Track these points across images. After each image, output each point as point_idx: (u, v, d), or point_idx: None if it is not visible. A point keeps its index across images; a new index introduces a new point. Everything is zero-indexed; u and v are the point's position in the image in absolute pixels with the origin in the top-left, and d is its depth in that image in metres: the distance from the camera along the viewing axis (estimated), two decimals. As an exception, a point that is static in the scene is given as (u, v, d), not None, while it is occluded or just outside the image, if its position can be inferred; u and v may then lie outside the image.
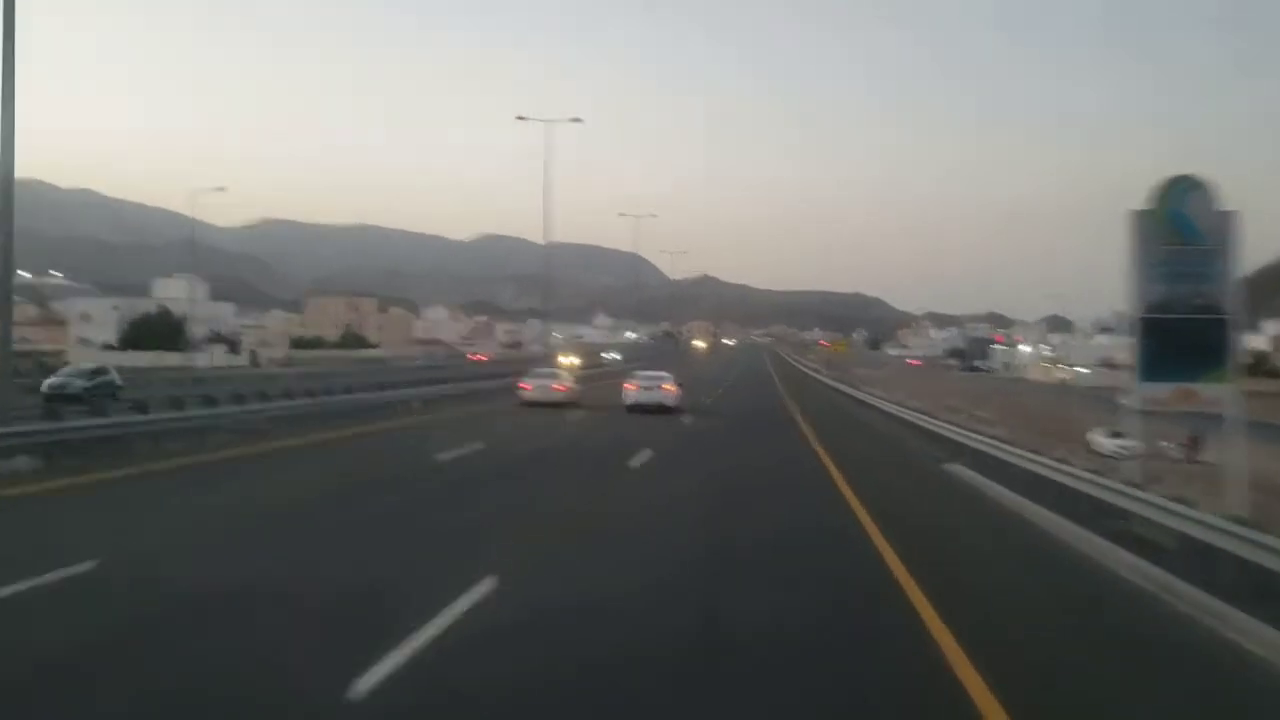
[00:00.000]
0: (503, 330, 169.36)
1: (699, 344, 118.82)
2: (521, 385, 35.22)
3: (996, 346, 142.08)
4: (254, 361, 78.42)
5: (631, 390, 33.53)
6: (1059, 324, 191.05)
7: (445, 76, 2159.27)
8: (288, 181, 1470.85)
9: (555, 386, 35.02)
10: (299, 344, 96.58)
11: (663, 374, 35.68)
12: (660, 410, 31.72)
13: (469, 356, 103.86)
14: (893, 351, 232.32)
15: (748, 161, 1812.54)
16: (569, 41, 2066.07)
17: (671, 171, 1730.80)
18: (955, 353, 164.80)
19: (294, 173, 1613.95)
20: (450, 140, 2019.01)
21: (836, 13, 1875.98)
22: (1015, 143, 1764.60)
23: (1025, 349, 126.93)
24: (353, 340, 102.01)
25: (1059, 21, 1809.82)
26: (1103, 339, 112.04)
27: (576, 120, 52.41)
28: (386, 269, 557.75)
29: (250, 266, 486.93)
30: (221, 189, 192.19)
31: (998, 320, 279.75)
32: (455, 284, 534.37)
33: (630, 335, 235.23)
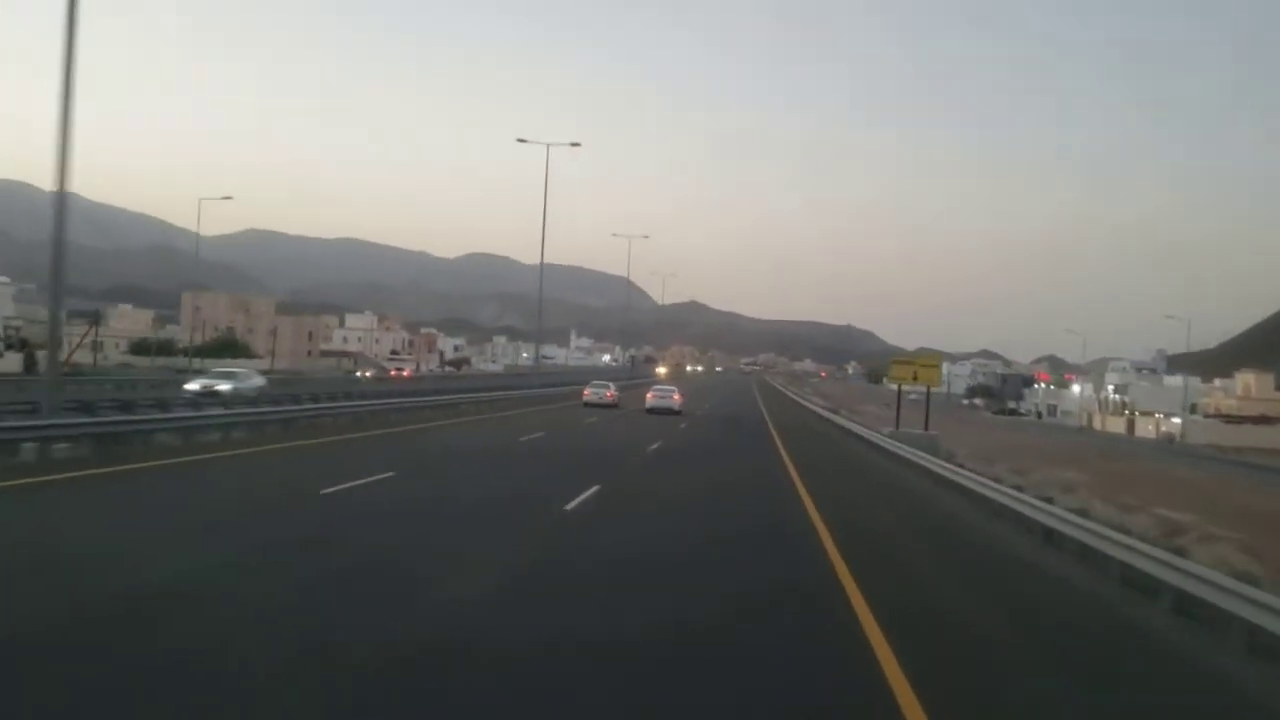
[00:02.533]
0: (451, 346, 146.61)
1: (661, 370, 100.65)
2: (584, 392, 49.30)
3: (1039, 385, 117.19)
4: (29, 366, 55.79)
5: (651, 399, 46.25)
6: (1057, 365, 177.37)
7: (442, 94, 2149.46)
8: (277, 193, 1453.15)
9: (607, 395, 47.99)
10: (141, 349, 74.06)
11: (672, 388, 51.01)
12: (669, 413, 43.04)
13: (390, 373, 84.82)
14: (895, 386, 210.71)
15: (741, 191, 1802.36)
16: (565, 64, 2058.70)
17: (662, 197, 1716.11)
18: (980, 391, 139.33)
19: (284, 184, 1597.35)
20: (444, 158, 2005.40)
21: (837, 46, 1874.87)
22: (1013, 182, 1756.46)
23: (1077, 389, 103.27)
24: (222, 347, 79.15)
25: (1062, 61, 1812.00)
26: (1176, 380, 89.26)
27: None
28: (367, 283, 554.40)
29: (225, 275, 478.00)
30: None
31: (993, 358, 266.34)
32: (436, 301, 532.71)
33: (605, 358, 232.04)
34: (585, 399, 47.27)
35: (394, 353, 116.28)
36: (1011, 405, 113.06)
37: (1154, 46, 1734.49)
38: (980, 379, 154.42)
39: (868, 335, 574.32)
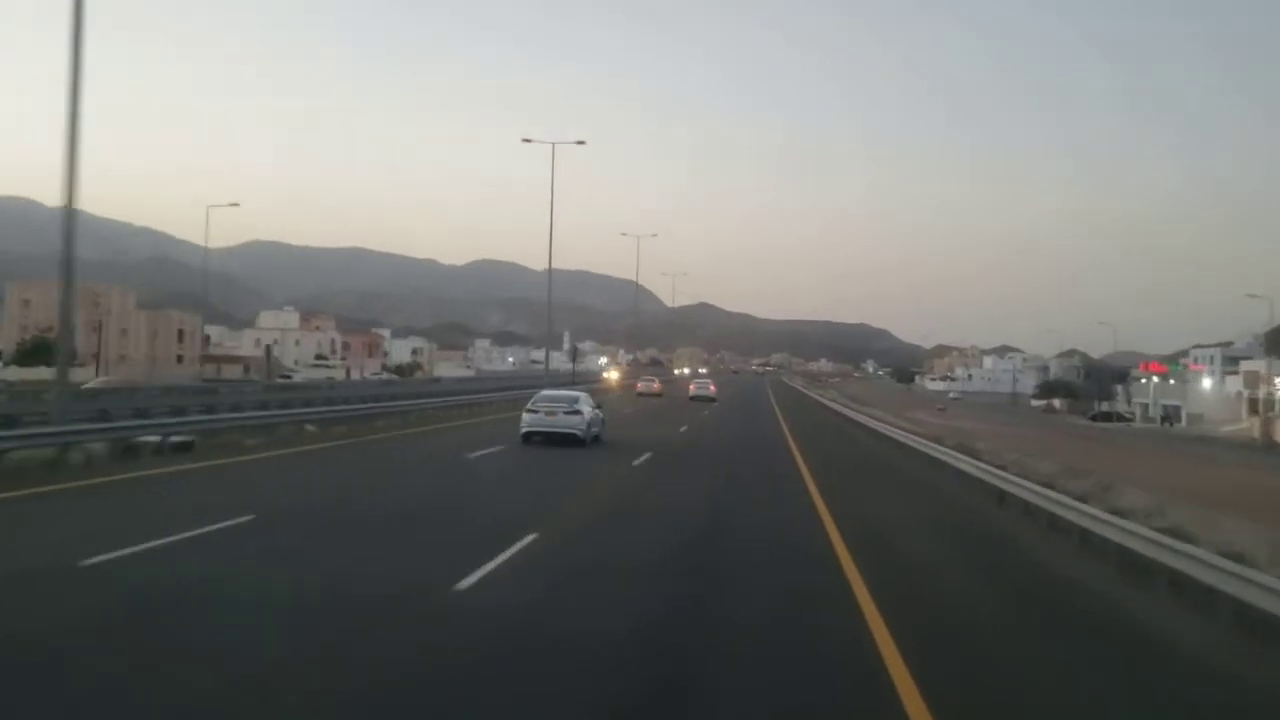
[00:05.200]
0: (409, 350, 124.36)
1: (610, 375, 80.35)
2: (636, 385, 61.77)
3: (1150, 379, 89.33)
4: None
5: (692, 389, 57.59)
6: (1083, 360, 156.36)
7: (444, 101, 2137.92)
8: (282, 204, 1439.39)
9: (655, 386, 59.82)
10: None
11: (709, 380, 67.85)
12: (708, 401, 53.25)
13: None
14: (933, 385, 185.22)
15: (750, 190, 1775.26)
16: (567, 67, 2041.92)
17: (671, 198, 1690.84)
18: (1057, 388, 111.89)
19: (289, 195, 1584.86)
20: (450, 165, 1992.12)
21: (843, 44, 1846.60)
22: (1020, 177, 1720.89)
23: (1207, 384, 77.88)
24: (35, 351, 56.95)
25: (1063, 55, 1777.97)
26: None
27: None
28: (369, 291, 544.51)
29: (224, 286, 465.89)
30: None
31: (1013, 352, 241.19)
32: (440, 307, 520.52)
33: (602, 361, 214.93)
34: (638, 390, 58.03)
35: (320, 357, 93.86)
36: (1104, 406, 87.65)
37: (1147, 42, 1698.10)
38: (1058, 374, 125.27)
39: (883, 334, 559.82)
